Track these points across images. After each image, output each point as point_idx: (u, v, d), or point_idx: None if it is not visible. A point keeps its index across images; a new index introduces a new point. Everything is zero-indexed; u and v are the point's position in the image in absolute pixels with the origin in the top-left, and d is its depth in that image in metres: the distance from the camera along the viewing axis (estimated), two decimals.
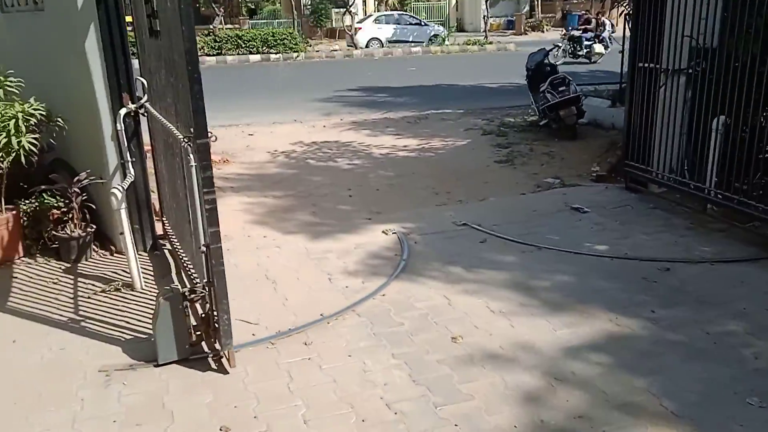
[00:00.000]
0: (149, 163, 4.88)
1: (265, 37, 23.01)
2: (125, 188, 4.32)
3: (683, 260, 4.54)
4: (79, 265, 4.63)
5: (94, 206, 4.82)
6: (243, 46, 22.18)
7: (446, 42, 26.38)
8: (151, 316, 3.83)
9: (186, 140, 3.21)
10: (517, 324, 3.73)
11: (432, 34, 27.01)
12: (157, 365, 3.34)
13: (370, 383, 3.19)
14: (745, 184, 5.83)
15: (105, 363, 3.38)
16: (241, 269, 4.57)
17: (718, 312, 3.80)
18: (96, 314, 3.93)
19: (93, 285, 4.31)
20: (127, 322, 3.82)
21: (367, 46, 25.54)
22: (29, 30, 5.42)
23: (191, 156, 3.14)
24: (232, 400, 3.07)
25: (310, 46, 25.26)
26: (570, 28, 23.26)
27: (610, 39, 19.30)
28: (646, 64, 5.74)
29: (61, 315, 3.93)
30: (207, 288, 3.31)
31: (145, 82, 4.54)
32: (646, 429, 2.82)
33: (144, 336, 3.64)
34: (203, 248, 3.20)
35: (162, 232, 4.97)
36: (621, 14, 9.83)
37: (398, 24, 27.18)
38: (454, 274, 4.41)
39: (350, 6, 26.68)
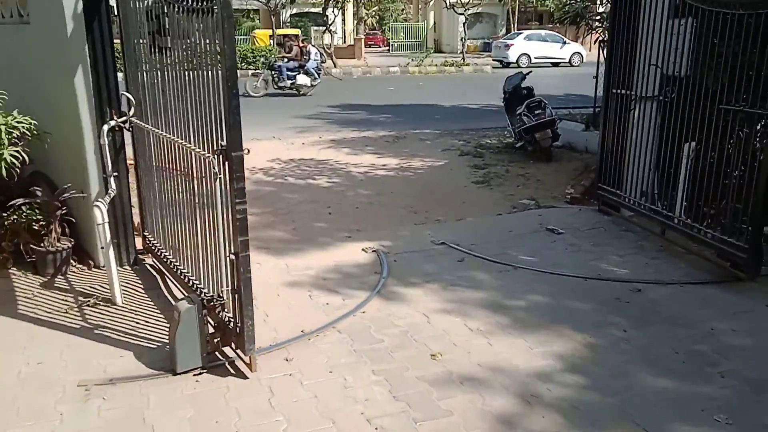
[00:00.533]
0: (131, 178, 4.88)
1: (245, 53, 23.12)
2: (107, 203, 4.35)
3: (654, 281, 4.69)
4: (57, 279, 4.60)
5: (74, 220, 4.80)
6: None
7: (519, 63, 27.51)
8: (130, 331, 3.85)
9: (216, 152, 3.30)
10: (494, 342, 3.81)
11: (574, 52, 28.97)
12: (176, 374, 3.40)
13: (351, 399, 3.23)
14: (713, 209, 6.05)
15: (84, 377, 3.38)
16: None
17: (687, 332, 3.94)
18: (74, 329, 3.91)
19: (72, 299, 4.29)
20: (107, 337, 3.81)
21: (516, 62, 27.64)
22: (13, 42, 5.41)
23: (217, 168, 3.26)
24: (214, 415, 3.09)
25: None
26: None
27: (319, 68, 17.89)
28: (620, 91, 5.93)
29: (38, 330, 3.90)
30: (232, 295, 3.43)
31: (131, 97, 4.57)
32: None
33: (125, 351, 3.64)
34: (231, 256, 3.33)
35: (142, 247, 4.97)
36: (595, 41, 10.13)
37: (545, 41, 29.28)
38: (433, 293, 4.49)
39: (330, 25, 26.94)
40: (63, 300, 4.28)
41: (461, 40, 30.74)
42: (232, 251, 3.32)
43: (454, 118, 12.75)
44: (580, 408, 3.17)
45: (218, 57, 3.23)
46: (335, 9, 27.54)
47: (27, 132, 4.63)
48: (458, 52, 31.29)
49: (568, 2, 12.34)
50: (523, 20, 40.76)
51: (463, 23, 29.77)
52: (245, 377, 3.41)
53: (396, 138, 10.67)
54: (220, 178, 3.29)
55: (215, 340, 3.57)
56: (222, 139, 3.26)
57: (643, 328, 3.98)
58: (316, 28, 30.93)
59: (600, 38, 9.74)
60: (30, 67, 5.19)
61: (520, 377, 3.44)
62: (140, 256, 4.93)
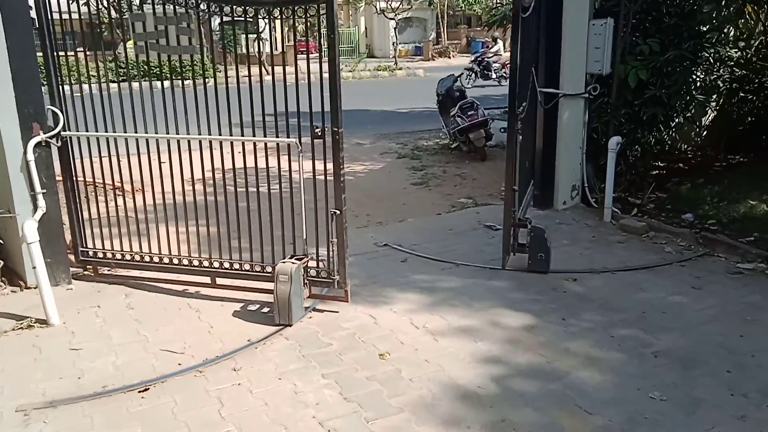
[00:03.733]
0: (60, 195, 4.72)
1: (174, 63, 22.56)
2: (37, 221, 4.19)
3: (588, 271, 4.89)
4: None
5: (1, 241, 4.60)
6: (147, 72, 21.66)
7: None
8: (69, 351, 3.73)
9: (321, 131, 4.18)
10: (440, 338, 3.89)
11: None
12: (290, 325, 4.01)
13: (302, 404, 3.24)
14: (638, 198, 6.37)
15: (22, 402, 3.25)
16: (162, 299, 4.50)
17: (621, 316, 4.13)
18: (9, 353, 3.75)
19: (3, 322, 4.11)
20: (44, 359, 3.68)
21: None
22: None
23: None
24: (162, 430, 3.04)
25: (220, 72, 25.01)
26: (475, 52, 24.49)
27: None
28: (547, 89, 6.15)
29: None
30: (331, 245, 4.21)
31: (57, 111, 4.43)
32: (563, 428, 3.03)
33: (65, 372, 3.52)
34: (336, 211, 4.17)
35: (79, 264, 4.79)
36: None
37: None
38: (378, 294, 4.53)
39: (261, 32, 26.66)
40: None
41: (393, 44, 31.05)
42: (335, 208, 4.16)
43: (390, 121, 12.87)
44: (524, 396, 3.28)
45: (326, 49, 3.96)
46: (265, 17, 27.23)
47: None
48: (390, 56, 31.58)
49: (495, 5, 12.71)
50: (452, 24, 41.53)
51: (394, 28, 30.09)
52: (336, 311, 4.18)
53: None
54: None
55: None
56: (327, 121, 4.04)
57: (579, 315, 4.15)
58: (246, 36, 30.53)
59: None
60: None
61: (466, 370, 3.53)
62: (76, 273, 4.76)
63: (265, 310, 4.30)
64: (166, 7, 4.26)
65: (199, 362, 3.64)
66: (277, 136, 4.38)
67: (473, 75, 20.79)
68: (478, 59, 21.95)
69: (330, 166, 4.24)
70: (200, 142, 4.51)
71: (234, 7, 4.22)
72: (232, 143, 4.53)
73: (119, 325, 4.09)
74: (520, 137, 4.95)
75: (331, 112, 4.05)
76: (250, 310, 4.33)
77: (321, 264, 4.34)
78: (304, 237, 4.33)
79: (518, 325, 4.04)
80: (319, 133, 4.17)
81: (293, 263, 4.10)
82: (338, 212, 4.20)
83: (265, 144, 4.59)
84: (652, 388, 3.33)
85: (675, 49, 6.09)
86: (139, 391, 3.35)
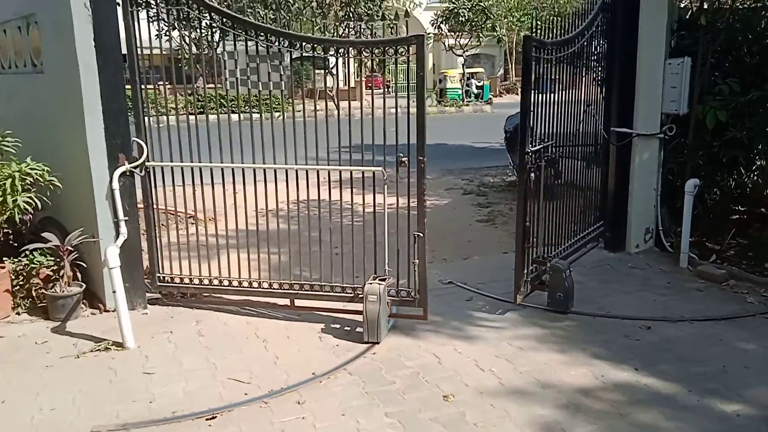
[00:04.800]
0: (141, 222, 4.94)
1: (246, 96, 23.50)
2: (119, 247, 4.39)
3: (663, 319, 4.69)
4: (69, 323, 4.61)
5: (84, 264, 4.84)
6: (225, 105, 22.73)
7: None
8: (142, 375, 3.85)
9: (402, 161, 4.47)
10: (506, 382, 3.80)
11: None
12: (378, 342, 4.23)
13: None
14: (717, 244, 6.09)
15: (97, 423, 3.37)
16: (230, 327, 4.60)
17: (699, 370, 3.92)
18: (87, 374, 3.91)
19: (83, 344, 4.30)
20: (119, 381, 3.81)
21: None
22: (27, 92, 5.55)
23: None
24: None
25: (291, 106, 25.85)
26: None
27: None
28: (620, 129, 6.03)
29: (50, 375, 3.90)
30: (413, 265, 4.46)
31: (142, 143, 4.67)
32: None
33: (138, 395, 3.63)
34: (418, 234, 4.44)
35: (156, 289, 4.97)
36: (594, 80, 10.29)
37: None
38: (442, 333, 4.49)
39: (331, 68, 27.41)
40: (74, 345, 4.29)
41: (461, 81, 31.22)
42: (418, 230, 4.44)
43: (456, 157, 12.87)
44: None
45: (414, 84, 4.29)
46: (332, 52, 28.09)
47: (40, 178, 4.71)
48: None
49: None
50: (520, 60, 41.42)
51: (462, 64, 30.30)
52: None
53: (399, 178, 10.73)
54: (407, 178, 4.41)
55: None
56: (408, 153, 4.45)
57: (654, 366, 3.97)
58: (317, 71, 31.42)
59: (598, 78, 9.93)
60: (43, 115, 5.31)
61: (533, 415, 3.42)
62: (151, 297, 4.94)
63: (336, 337, 4.32)
64: (259, 46, 4.52)
65: (264, 393, 3.69)
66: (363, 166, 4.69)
67: None
68: None
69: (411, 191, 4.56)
70: (286, 171, 4.76)
71: (331, 47, 4.55)
72: (318, 172, 4.79)
73: (190, 352, 4.20)
74: (533, 175, 4.98)
75: (417, 142, 4.40)
76: (325, 332, 4.47)
77: (401, 284, 4.57)
78: (386, 259, 4.58)
79: (587, 371, 3.90)
80: (404, 162, 4.46)
81: (379, 284, 4.32)
82: (420, 235, 4.47)
83: (351, 173, 4.81)
84: None
85: (757, 90, 5.86)
86: (207, 419, 3.41)
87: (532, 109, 4.88)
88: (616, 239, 6.22)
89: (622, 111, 6.02)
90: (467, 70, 30.29)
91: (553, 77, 5.21)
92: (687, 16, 6.29)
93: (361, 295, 4.43)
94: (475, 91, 29.63)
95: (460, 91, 29.08)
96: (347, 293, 4.66)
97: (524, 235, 4.92)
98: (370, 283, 4.36)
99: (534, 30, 4.96)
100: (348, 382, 3.83)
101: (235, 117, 4.81)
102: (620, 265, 5.90)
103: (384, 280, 4.42)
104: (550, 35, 5.11)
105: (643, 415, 3.44)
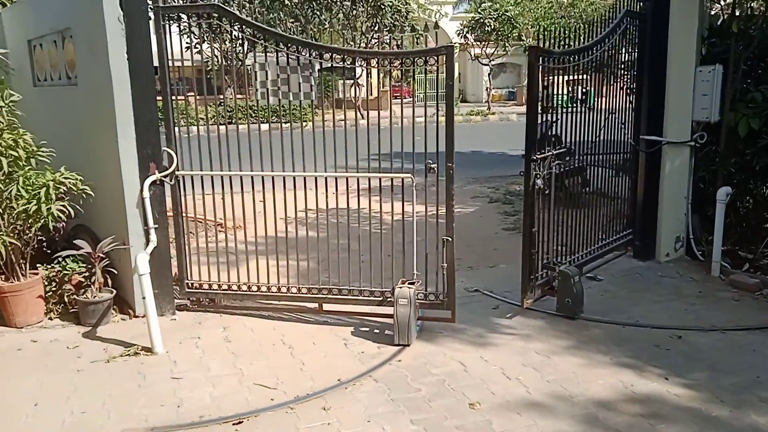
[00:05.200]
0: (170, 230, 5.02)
1: (275, 106, 23.74)
2: (149, 254, 4.47)
3: (694, 328, 4.60)
4: (99, 328, 4.70)
5: (115, 271, 4.93)
6: (253, 115, 23.01)
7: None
8: (170, 380, 3.90)
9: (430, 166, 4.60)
10: (533, 390, 3.76)
11: None
12: (409, 345, 4.32)
13: None
14: (750, 253, 5.96)
15: (126, 427, 3.42)
16: (257, 333, 4.64)
17: (732, 380, 3.84)
18: (116, 378, 3.98)
19: (113, 349, 4.37)
20: (148, 386, 3.87)
21: None
22: (61, 103, 5.69)
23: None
24: None
25: (321, 115, 26.08)
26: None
27: None
28: (650, 137, 5.96)
29: (81, 379, 3.98)
30: (441, 269, 4.57)
31: (172, 152, 4.75)
32: None
33: (165, 400, 3.68)
34: (447, 238, 4.60)
35: (184, 297, 5.04)
36: (622, 88, 10.19)
37: None
38: (468, 341, 4.46)
39: (358, 78, 27.59)
40: (105, 350, 4.36)
41: (486, 89, 31.17)
42: (446, 235, 4.60)
43: (481, 165, 12.82)
44: None
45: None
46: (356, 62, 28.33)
47: (73, 187, 4.82)
48: (483, 101, 31.69)
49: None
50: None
51: (488, 74, 30.25)
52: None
53: (425, 185, 10.72)
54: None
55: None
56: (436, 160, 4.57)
57: (685, 376, 3.89)
58: (344, 81, 31.68)
59: (626, 86, 9.83)
60: (76, 125, 5.44)
61: (561, 425, 3.38)
62: (179, 304, 5.01)
63: (362, 343, 4.33)
64: (290, 57, 4.63)
65: (290, 399, 3.70)
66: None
67: None
68: None
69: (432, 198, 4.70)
70: (315, 179, 4.89)
71: (363, 58, 4.73)
72: (347, 179, 4.93)
73: (217, 357, 4.25)
74: (539, 181, 5.03)
75: (447, 149, 4.56)
76: (352, 338, 4.51)
77: (429, 287, 4.69)
78: (415, 264, 4.69)
79: (616, 381, 3.84)
80: (433, 169, 4.59)
81: (409, 287, 4.41)
82: (449, 239, 4.60)
83: (380, 180, 4.91)
84: None
85: None
86: (233, 424, 3.44)
87: (539, 120, 5.03)
88: (646, 248, 6.13)
89: (651, 118, 5.95)
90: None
91: (581, 87, 5.22)
92: (718, 24, 6.21)
93: (390, 299, 4.58)
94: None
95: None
96: (376, 297, 4.76)
97: (531, 240, 4.98)
98: (400, 287, 4.43)
99: (544, 39, 4.99)
100: (373, 388, 3.83)
101: (263, 127, 4.87)
102: (650, 273, 5.80)
103: (413, 283, 4.49)
104: (571, 43, 5.13)
105: (674, 427, 3.37)
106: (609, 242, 5.99)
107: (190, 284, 5.04)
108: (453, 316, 4.65)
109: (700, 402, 3.60)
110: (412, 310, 4.34)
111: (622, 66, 6.11)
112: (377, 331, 4.63)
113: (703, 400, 3.62)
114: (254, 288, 4.94)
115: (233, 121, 5.39)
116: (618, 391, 3.73)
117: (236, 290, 4.97)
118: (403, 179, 4.75)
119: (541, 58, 4.82)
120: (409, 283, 4.49)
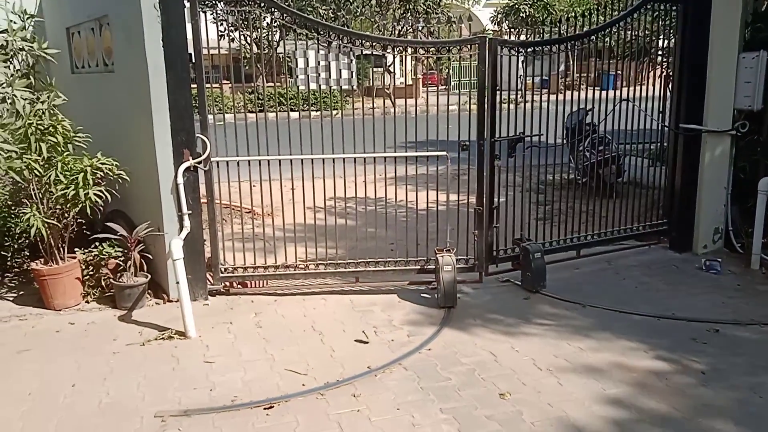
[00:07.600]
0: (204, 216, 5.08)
1: (306, 95, 23.81)
2: (183, 239, 4.53)
3: (733, 321, 4.49)
4: (134, 312, 4.79)
5: (150, 256, 5.01)
6: (284, 103, 23.10)
7: None
8: (203, 363, 3.95)
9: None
10: (564, 382, 3.72)
11: None
12: (447, 306, 4.72)
13: None
14: None
15: (160, 409, 3.48)
16: (288, 320, 4.68)
17: None
18: (151, 361, 4.05)
19: (148, 332, 4.46)
20: (181, 369, 3.93)
21: None
22: (98, 90, 5.79)
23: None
24: None
25: (349, 104, 26.08)
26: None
27: None
28: (689, 125, 5.80)
29: (117, 361, 4.06)
30: (474, 236, 5.23)
31: (205, 139, 4.80)
32: None
33: (198, 383, 3.74)
34: (479, 207, 5.27)
35: (217, 282, 5.11)
36: (660, 75, 9.94)
37: None
38: (499, 330, 4.43)
39: (389, 66, 27.47)
40: (140, 333, 4.45)
41: (519, 77, 30.76)
42: (477, 206, 5.31)
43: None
44: None
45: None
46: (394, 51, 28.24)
47: (109, 172, 4.91)
48: (516, 89, 31.27)
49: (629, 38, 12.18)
50: (582, 56, 40.45)
51: (522, 61, 29.81)
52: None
53: (456, 174, 10.66)
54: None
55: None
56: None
57: (722, 370, 3.81)
58: (375, 69, 31.60)
59: (664, 73, 9.59)
60: (113, 112, 5.53)
61: (593, 418, 3.33)
62: (212, 289, 5.08)
63: (396, 326, 4.34)
64: (331, 45, 4.80)
65: (320, 385, 3.73)
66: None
67: None
68: None
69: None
70: (354, 160, 5.26)
71: (400, 47, 5.03)
72: (385, 159, 5.42)
73: (248, 342, 4.30)
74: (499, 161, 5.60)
75: (478, 128, 5.31)
76: (381, 326, 4.44)
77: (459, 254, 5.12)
78: (448, 235, 5.23)
79: (651, 374, 3.77)
80: (466, 146, 5.12)
81: (449, 255, 4.82)
82: (480, 208, 5.27)
83: (416, 159, 5.44)
84: None
85: None
86: (264, 408, 3.48)
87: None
88: (683, 239, 6.00)
89: (691, 107, 5.79)
90: None
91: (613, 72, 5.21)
92: (763, 8, 6.00)
93: (429, 267, 5.11)
94: None
95: None
96: (414, 266, 5.23)
97: (490, 216, 5.47)
98: (442, 256, 4.82)
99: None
100: (403, 376, 3.83)
101: (294, 115, 4.90)
102: (687, 266, 5.68)
103: (449, 251, 4.88)
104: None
105: (711, 421, 3.30)
106: (621, 230, 6.22)
107: (223, 269, 5.09)
108: (481, 277, 5.29)
109: (738, 398, 3.51)
110: (455, 274, 4.71)
111: (661, 52, 5.95)
112: (410, 307, 4.86)
113: (742, 396, 3.53)
114: (292, 269, 5.05)
115: (264, 109, 5.41)
116: (654, 385, 3.66)
117: (272, 272, 5.10)
118: (438, 156, 5.27)
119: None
120: (446, 251, 4.86)
